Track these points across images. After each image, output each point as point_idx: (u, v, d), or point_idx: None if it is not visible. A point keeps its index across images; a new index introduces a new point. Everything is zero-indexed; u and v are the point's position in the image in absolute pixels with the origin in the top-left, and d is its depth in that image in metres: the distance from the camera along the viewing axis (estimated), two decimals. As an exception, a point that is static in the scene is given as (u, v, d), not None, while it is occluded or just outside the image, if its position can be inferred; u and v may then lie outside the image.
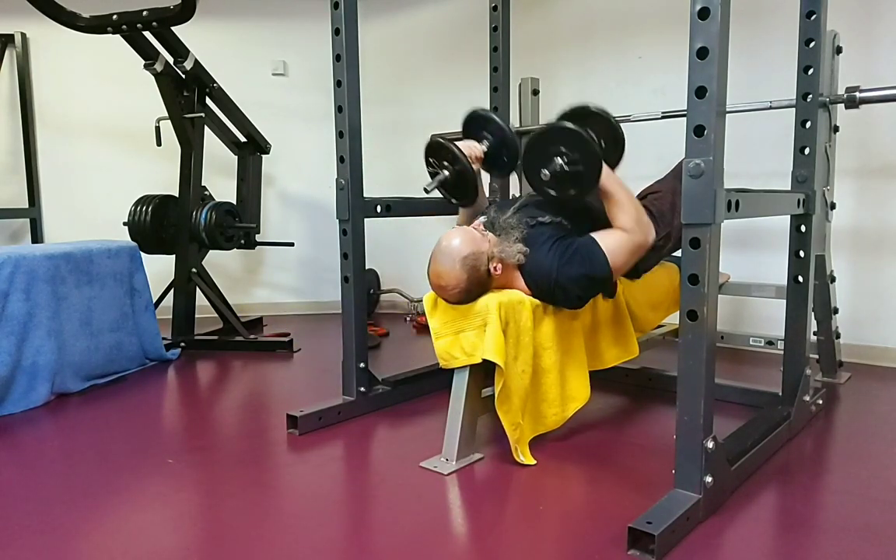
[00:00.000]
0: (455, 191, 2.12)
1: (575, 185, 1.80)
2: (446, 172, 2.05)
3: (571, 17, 3.53)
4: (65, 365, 2.49)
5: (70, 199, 4.19)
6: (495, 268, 1.80)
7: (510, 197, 2.66)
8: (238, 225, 3.51)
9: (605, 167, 1.79)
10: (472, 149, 2.06)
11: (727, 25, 1.33)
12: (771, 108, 2.41)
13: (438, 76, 4.09)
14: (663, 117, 2.70)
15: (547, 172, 1.78)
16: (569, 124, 1.78)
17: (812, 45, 1.94)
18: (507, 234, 1.83)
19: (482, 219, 1.95)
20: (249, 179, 3.77)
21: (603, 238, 1.81)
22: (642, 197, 2.28)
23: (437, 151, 2.07)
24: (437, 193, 2.13)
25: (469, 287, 1.76)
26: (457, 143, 2.05)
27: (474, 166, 2.05)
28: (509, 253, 1.80)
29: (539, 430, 1.88)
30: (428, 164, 2.12)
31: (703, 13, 1.32)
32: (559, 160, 1.77)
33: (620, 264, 1.83)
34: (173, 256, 3.34)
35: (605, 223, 1.89)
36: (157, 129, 3.49)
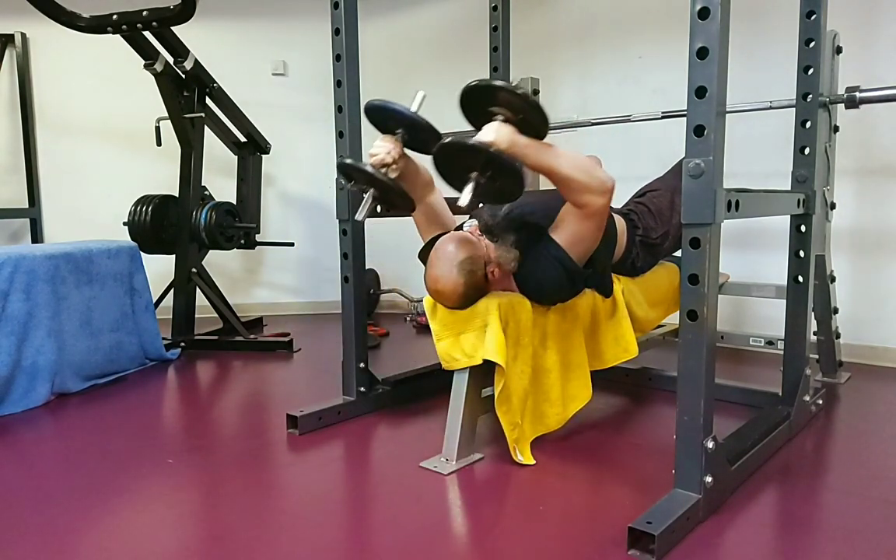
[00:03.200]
0: (389, 205, 1.93)
1: (505, 188, 1.66)
2: (369, 197, 1.81)
3: (571, 17, 3.53)
4: (65, 365, 2.49)
5: (70, 199, 4.19)
6: (492, 272, 1.80)
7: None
8: (238, 225, 3.51)
9: (523, 150, 1.61)
10: (385, 153, 1.79)
11: (727, 25, 1.33)
12: (771, 108, 2.41)
13: (438, 76, 4.09)
14: (663, 117, 2.70)
15: (469, 191, 1.61)
16: (449, 141, 1.61)
17: (812, 45, 1.94)
18: (503, 238, 1.82)
19: (474, 222, 1.93)
20: (249, 179, 3.78)
21: (559, 233, 1.76)
22: (640, 194, 2.28)
23: (351, 176, 1.85)
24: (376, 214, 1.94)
25: (467, 292, 1.76)
26: (372, 149, 1.82)
27: (391, 173, 1.80)
28: (507, 259, 1.79)
29: (541, 431, 1.88)
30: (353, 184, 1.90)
31: (703, 13, 1.32)
32: (472, 177, 1.61)
33: (586, 248, 1.78)
34: (173, 256, 3.34)
35: (608, 222, 1.88)
36: (157, 129, 3.49)
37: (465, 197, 1.59)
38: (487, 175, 1.61)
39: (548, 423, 1.89)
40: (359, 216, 1.81)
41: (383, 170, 1.78)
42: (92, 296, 2.67)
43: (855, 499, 1.55)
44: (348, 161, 1.82)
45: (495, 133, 1.59)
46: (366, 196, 1.80)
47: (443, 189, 1.88)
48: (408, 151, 1.88)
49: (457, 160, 1.64)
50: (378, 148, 1.80)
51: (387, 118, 1.83)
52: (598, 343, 2.04)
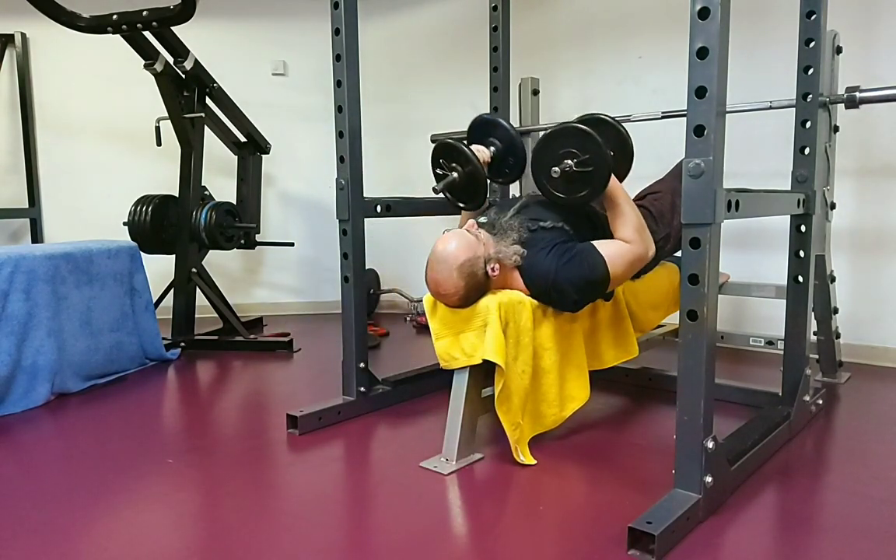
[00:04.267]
0: (463, 194, 2.10)
1: (583, 188, 1.82)
2: (455, 175, 2.04)
3: (571, 17, 3.53)
4: (65, 365, 2.49)
5: (70, 199, 4.19)
6: (493, 269, 1.80)
7: (510, 197, 2.66)
8: (238, 225, 3.51)
9: (612, 176, 1.80)
10: (481, 153, 2.06)
11: (727, 25, 1.33)
12: (771, 108, 2.41)
13: (438, 76, 4.09)
14: (663, 117, 2.70)
15: (557, 170, 1.79)
16: (582, 126, 1.79)
17: (812, 45, 1.94)
18: (505, 235, 1.83)
19: (481, 218, 1.94)
20: (249, 179, 3.78)
21: (603, 246, 1.82)
22: (641, 197, 2.28)
23: (449, 153, 2.06)
24: (443, 195, 2.12)
25: (467, 292, 1.76)
26: (477, 147, 2.07)
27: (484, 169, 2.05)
28: (506, 254, 1.80)
29: (538, 430, 1.88)
30: (436, 165, 2.10)
31: (703, 13, 1.32)
32: (569, 161, 1.79)
33: (619, 273, 1.83)
34: (173, 256, 3.34)
35: (607, 233, 1.90)
36: (157, 129, 3.49)
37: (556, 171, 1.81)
38: (584, 161, 1.79)
39: (545, 423, 1.89)
40: (438, 187, 2.05)
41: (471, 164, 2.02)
42: (92, 296, 2.67)
43: (855, 499, 1.55)
44: (451, 139, 2.06)
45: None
46: (451, 173, 2.03)
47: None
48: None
49: (562, 146, 1.81)
50: (478, 147, 2.09)
51: (490, 132, 2.13)
52: (598, 343, 2.04)
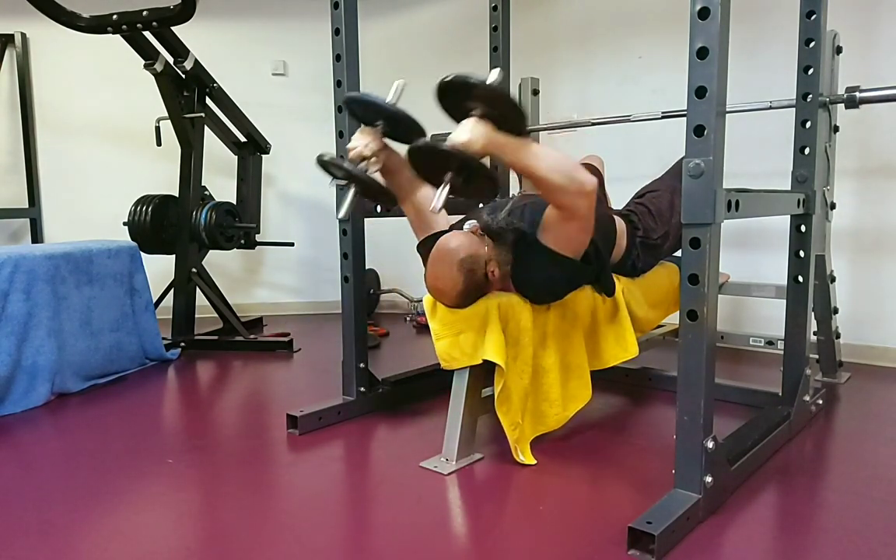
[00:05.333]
0: (373, 200, 1.89)
1: (480, 193, 1.66)
2: (349, 193, 1.76)
3: (571, 17, 3.53)
4: (65, 365, 2.49)
5: (70, 199, 4.19)
6: (492, 272, 1.80)
7: (509, 195, 2.66)
8: (238, 225, 3.51)
9: (499, 148, 1.57)
10: (363, 146, 1.74)
11: (727, 25, 1.33)
12: (771, 108, 2.41)
13: (438, 76, 4.08)
14: (663, 117, 2.70)
15: (442, 200, 1.56)
16: (422, 143, 1.59)
17: (812, 45, 1.94)
18: (502, 238, 1.82)
19: (474, 222, 1.93)
20: (249, 179, 3.78)
21: (546, 235, 1.74)
22: (640, 195, 2.28)
23: (330, 172, 1.80)
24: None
25: (466, 291, 1.76)
26: (350, 143, 1.77)
27: (372, 167, 1.75)
28: (506, 259, 1.80)
29: (540, 430, 1.88)
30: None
31: (703, 13, 1.32)
32: (445, 181, 1.58)
33: (575, 247, 1.74)
34: (173, 256, 3.34)
35: (604, 221, 1.89)
36: (157, 129, 3.49)
37: (437, 201, 1.55)
38: (462, 178, 1.58)
39: (547, 423, 1.89)
40: (341, 214, 1.74)
41: (362, 164, 1.73)
42: (92, 296, 2.67)
43: (855, 499, 1.55)
44: (326, 157, 1.75)
45: (470, 132, 1.55)
46: (346, 192, 1.72)
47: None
48: (393, 144, 1.83)
49: (431, 161, 1.62)
50: (356, 141, 1.75)
51: (367, 111, 1.76)
52: (598, 343, 2.04)
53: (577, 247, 1.75)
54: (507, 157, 1.60)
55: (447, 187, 1.56)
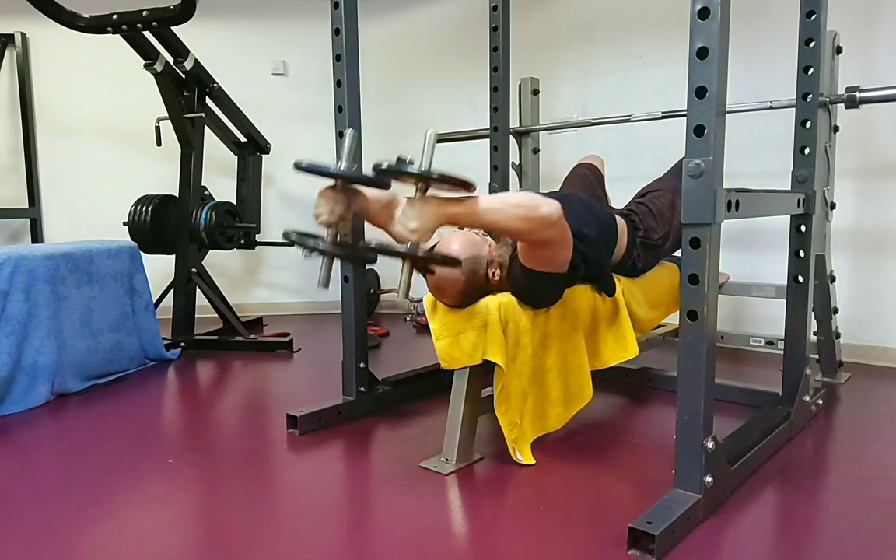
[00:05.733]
0: (353, 264, 1.72)
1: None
2: (324, 265, 1.56)
3: (571, 17, 3.53)
4: (65, 365, 2.49)
5: (70, 199, 4.19)
6: (493, 273, 1.80)
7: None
8: (238, 225, 3.51)
9: (453, 219, 1.50)
10: (328, 214, 1.54)
11: (727, 25, 1.33)
12: (771, 108, 2.41)
13: (438, 76, 4.09)
14: (663, 117, 2.70)
15: (404, 289, 1.48)
16: (375, 246, 1.51)
17: (812, 45, 1.94)
18: (504, 239, 1.82)
19: None
20: (249, 179, 3.78)
21: (526, 258, 1.71)
22: (641, 194, 2.28)
23: (301, 245, 1.55)
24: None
25: (467, 290, 1.76)
26: (314, 210, 1.57)
27: (343, 227, 1.58)
28: (507, 260, 1.79)
29: (542, 431, 1.88)
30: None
31: (703, 13, 1.32)
32: (402, 271, 1.48)
33: (559, 263, 1.71)
34: (173, 256, 3.34)
35: (605, 221, 1.88)
36: (157, 129, 3.49)
37: (400, 292, 1.48)
38: (420, 264, 1.49)
39: (549, 424, 1.89)
40: (319, 284, 1.55)
41: (330, 230, 1.57)
42: (92, 296, 2.67)
43: (855, 499, 1.55)
44: (293, 237, 1.54)
45: (417, 220, 1.43)
46: (323, 264, 1.54)
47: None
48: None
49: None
50: (319, 208, 1.55)
51: (320, 177, 1.57)
52: (598, 343, 2.04)
53: (559, 264, 1.73)
54: (463, 222, 1.55)
55: (404, 277, 1.48)
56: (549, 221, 1.55)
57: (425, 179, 1.44)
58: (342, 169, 1.52)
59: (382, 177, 1.46)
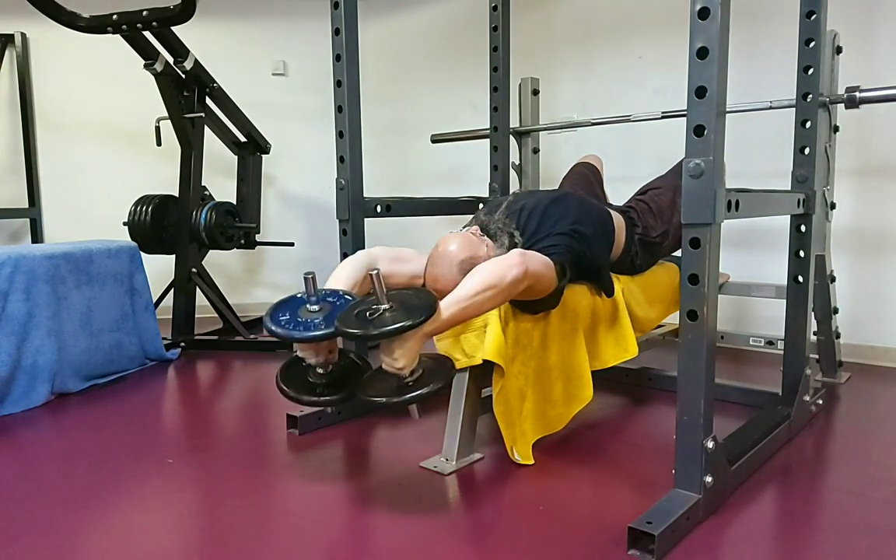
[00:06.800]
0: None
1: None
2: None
3: (571, 17, 3.53)
4: (65, 365, 2.49)
5: (70, 199, 4.19)
6: None
7: (510, 193, 2.66)
8: (238, 225, 3.51)
9: (434, 332, 1.51)
10: (313, 356, 1.59)
11: (727, 25, 1.33)
12: (771, 108, 2.41)
13: (438, 76, 4.09)
14: (663, 117, 2.70)
15: (416, 410, 1.53)
16: (367, 399, 1.49)
17: (812, 45, 1.94)
18: (500, 239, 1.82)
19: (475, 225, 1.93)
20: (249, 179, 3.77)
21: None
22: (642, 192, 2.28)
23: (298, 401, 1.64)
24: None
25: None
26: (299, 353, 1.61)
27: (331, 360, 1.61)
28: None
29: (543, 431, 1.87)
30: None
31: (703, 13, 1.31)
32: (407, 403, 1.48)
33: (544, 293, 1.71)
34: (173, 256, 3.34)
35: (602, 219, 1.88)
36: (157, 129, 3.48)
37: (416, 415, 1.53)
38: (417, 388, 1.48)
39: (549, 424, 1.89)
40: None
41: (319, 371, 1.60)
42: (92, 296, 2.67)
43: (855, 499, 1.55)
44: (290, 393, 1.61)
45: (402, 357, 1.43)
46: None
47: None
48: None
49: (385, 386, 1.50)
50: (304, 353, 1.60)
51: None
52: (598, 343, 2.04)
53: (545, 293, 1.72)
54: (443, 330, 1.54)
55: (414, 407, 1.52)
56: (517, 281, 1.54)
57: (380, 338, 1.42)
58: (313, 330, 1.49)
59: (345, 336, 1.46)
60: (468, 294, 1.52)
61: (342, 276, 1.78)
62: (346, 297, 1.61)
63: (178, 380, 2.79)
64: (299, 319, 1.52)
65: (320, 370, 1.60)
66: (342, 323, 1.44)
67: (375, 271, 1.44)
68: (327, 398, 1.59)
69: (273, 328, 1.51)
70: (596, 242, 1.92)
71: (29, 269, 2.40)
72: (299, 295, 1.59)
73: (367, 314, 1.43)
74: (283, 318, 1.54)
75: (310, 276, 1.55)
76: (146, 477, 1.75)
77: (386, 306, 1.43)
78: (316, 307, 1.53)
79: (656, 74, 3.21)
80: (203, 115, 3.31)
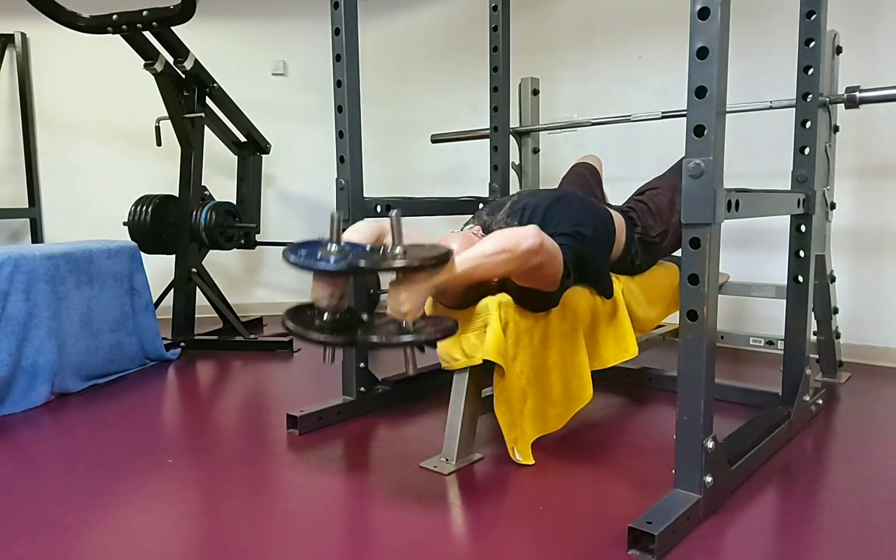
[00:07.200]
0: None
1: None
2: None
3: (571, 17, 3.53)
4: (65, 365, 2.49)
5: (70, 199, 4.19)
6: None
7: (509, 193, 2.66)
8: (238, 225, 3.51)
9: (443, 287, 1.51)
10: (328, 297, 1.53)
11: (727, 25, 1.33)
12: (771, 108, 2.41)
13: (438, 76, 4.09)
14: (663, 117, 2.70)
15: (412, 367, 1.46)
16: (370, 342, 1.48)
17: (812, 45, 1.94)
18: None
19: (477, 225, 1.93)
20: (249, 179, 3.77)
21: (520, 281, 1.71)
22: (640, 192, 2.28)
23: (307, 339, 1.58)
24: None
25: (466, 291, 1.76)
26: (313, 299, 1.56)
27: (342, 306, 1.56)
28: None
29: (542, 431, 1.88)
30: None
31: (703, 13, 1.32)
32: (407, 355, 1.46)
33: (550, 280, 1.71)
34: (173, 256, 3.34)
35: (602, 218, 1.88)
36: (157, 129, 3.48)
37: (410, 369, 1.47)
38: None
39: (549, 424, 1.89)
40: (326, 361, 1.58)
41: (326, 317, 1.56)
42: (92, 296, 2.67)
43: (855, 499, 1.55)
44: (291, 326, 1.56)
45: (407, 301, 1.41)
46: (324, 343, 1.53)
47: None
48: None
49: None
50: (315, 294, 1.54)
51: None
52: (598, 343, 2.04)
53: (551, 282, 1.73)
54: (451, 285, 1.54)
55: (410, 363, 1.47)
56: (532, 251, 1.56)
57: (407, 271, 1.41)
58: (331, 263, 1.47)
59: (365, 272, 1.45)
60: (483, 253, 1.53)
61: (362, 229, 1.77)
62: (367, 248, 1.57)
63: (178, 380, 2.79)
64: (318, 257, 1.49)
65: (327, 316, 1.57)
66: (356, 257, 1.43)
67: (396, 211, 1.42)
68: (332, 337, 1.57)
69: (292, 259, 1.48)
70: (597, 244, 1.92)
71: (29, 269, 2.40)
72: (321, 239, 1.54)
73: (382, 252, 1.43)
74: (303, 251, 1.51)
75: (338, 214, 1.51)
76: (146, 477, 1.75)
77: (402, 248, 1.42)
78: (336, 248, 1.50)
79: (656, 74, 3.21)
80: (203, 115, 3.30)
